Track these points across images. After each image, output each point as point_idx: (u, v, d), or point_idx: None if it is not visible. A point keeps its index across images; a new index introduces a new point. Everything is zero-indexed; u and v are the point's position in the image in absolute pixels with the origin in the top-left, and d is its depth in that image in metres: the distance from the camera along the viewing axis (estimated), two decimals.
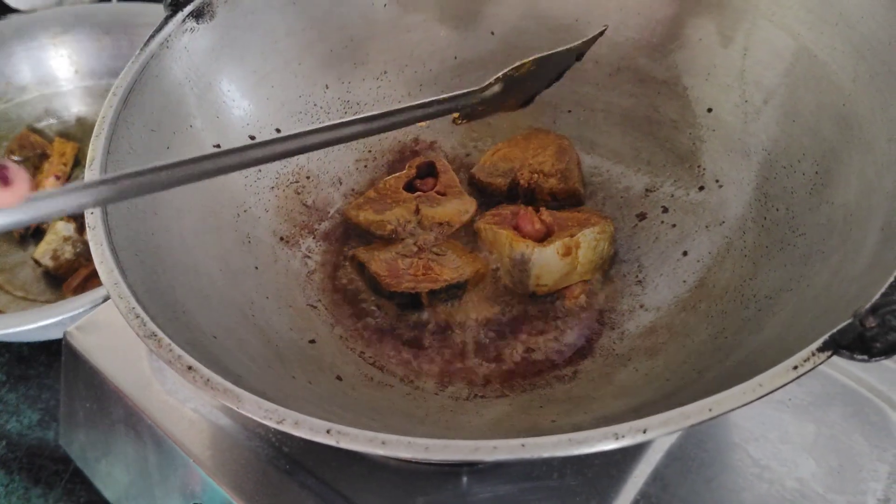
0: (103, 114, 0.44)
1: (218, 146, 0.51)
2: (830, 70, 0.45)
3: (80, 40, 0.84)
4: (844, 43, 0.44)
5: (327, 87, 0.57)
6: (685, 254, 0.49)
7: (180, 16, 0.50)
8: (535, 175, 0.52)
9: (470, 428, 0.41)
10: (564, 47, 0.46)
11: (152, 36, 0.49)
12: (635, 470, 0.45)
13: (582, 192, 0.53)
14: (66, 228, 0.70)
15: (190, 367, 0.33)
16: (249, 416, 0.31)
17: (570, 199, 0.53)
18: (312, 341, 0.46)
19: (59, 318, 0.55)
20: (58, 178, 0.77)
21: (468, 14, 0.59)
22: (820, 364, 0.29)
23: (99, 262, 0.37)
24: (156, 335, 0.34)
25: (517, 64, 0.45)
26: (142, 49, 0.48)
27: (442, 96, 0.42)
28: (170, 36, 0.49)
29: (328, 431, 0.30)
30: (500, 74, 0.44)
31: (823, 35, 0.46)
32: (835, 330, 0.29)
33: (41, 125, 0.83)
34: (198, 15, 0.50)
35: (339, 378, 0.43)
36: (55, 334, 0.55)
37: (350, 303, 0.49)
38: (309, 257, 0.52)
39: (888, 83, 0.41)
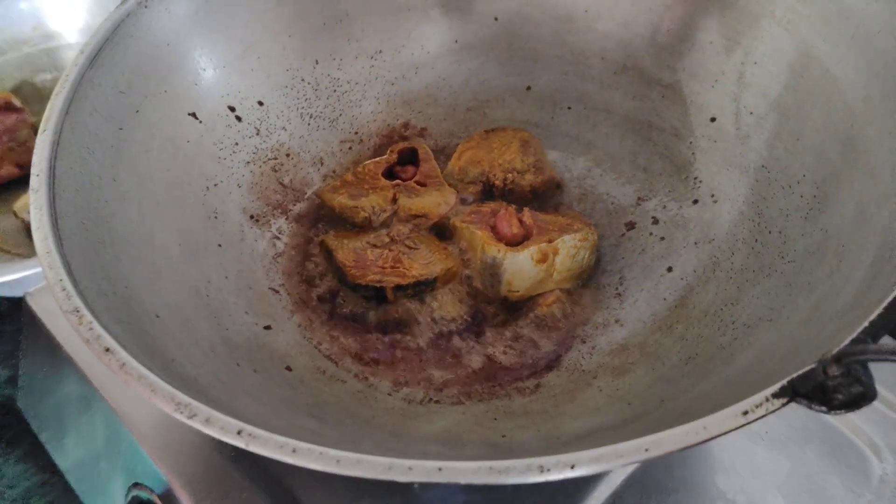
0: (67, 72, 0.42)
1: (193, 114, 0.49)
2: (842, 86, 0.42)
3: None
4: (859, 58, 0.41)
5: (317, 63, 0.55)
6: (670, 269, 0.46)
7: None
8: (510, 175, 0.49)
9: (417, 435, 0.38)
10: None
11: None
12: (594, 491, 0.43)
13: (559, 179, 0.51)
14: None
15: (107, 349, 0.31)
16: (161, 407, 0.29)
17: (551, 190, 0.50)
18: (268, 327, 0.44)
19: (16, 276, 0.53)
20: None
21: None
22: (774, 411, 0.26)
23: (35, 227, 0.35)
24: (78, 311, 0.32)
25: None
26: (118, 7, 0.46)
27: None
28: None
29: (239, 432, 0.28)
30: None
31: (838, 48, 0.43)
32: (794, 375, 0.26)
33: (38, 79, 0.81)
34: None
35: (288, 368, 0.41)
36: (20, 293, 0.54)
37: (314, 290, 0.47)
38: (278, 238, 0.50)
39: None
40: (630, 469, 0.44)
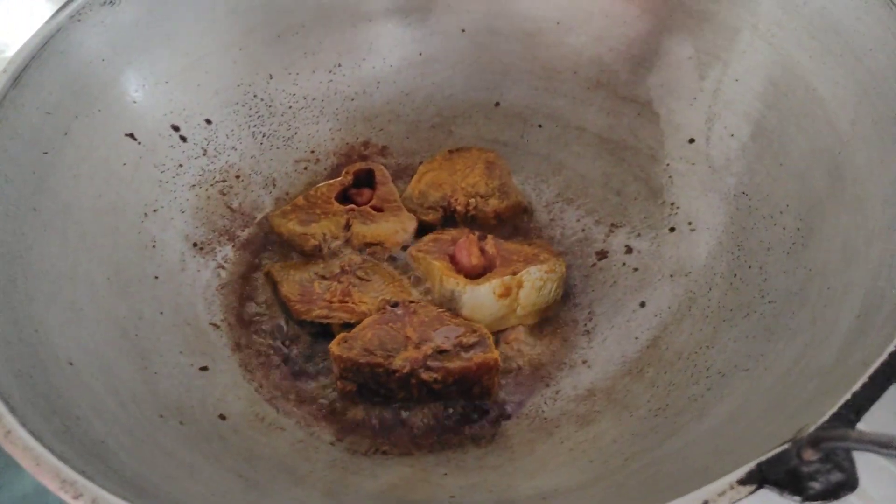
0: None
1: (131, 135, 0.45)
2: (829, 108, 0.38)
3: None
4: (847, 77, 0.38)
5: (271, 77, 0.51)
6: (643, 305, 0.42)
7: None
8: (472, 199, 0.46)
9: (356, 495, 0.35)
10: None
11: (62, 7, 0.43)
12: None
13: (527, 203, 0.48)
14: None
15: None
16: (45, 484, 0.26)
17: (517, 215, 0.47)
18: (204, 368, 0.40)
19: None
20: None
21: (436, 7, 0.52)
22: (739, 500, 0.22)
23: None
24: None
25: None
26: (47, 22, 0.43)
27: None
28: (83, 8, 0.43)
29: None
30: None
31: (825, 66, 0.39)
32: (764, 458, 0.23)
33: None
34: None
35: (221, 417, 0.38)
36: None
37: (259, 325, 0.43)
38: (223, 268, 0.46)
39: (891, 132, 0.34)
40: None
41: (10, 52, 0.76)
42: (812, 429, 0.23)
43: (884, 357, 0.24)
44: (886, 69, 0.35)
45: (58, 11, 0.43)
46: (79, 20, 0.43)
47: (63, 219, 0.40)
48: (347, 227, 0.45)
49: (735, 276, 0.40)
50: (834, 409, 0.23)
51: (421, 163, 0.50)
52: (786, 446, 0.23)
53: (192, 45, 0.48)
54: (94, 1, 0.44)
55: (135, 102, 0.46)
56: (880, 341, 0.26)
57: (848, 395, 0.23)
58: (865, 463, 0.28)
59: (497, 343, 0.42)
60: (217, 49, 0.49)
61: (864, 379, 0.23)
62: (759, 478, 0.22)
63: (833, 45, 0.39)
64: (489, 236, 0.44)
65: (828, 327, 0.31)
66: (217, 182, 0.48)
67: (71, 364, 0.34)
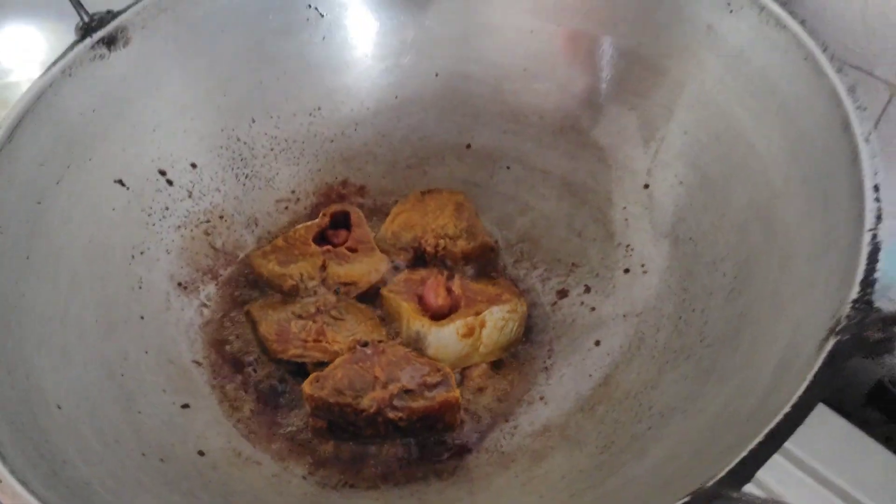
0: None
1: (120, 181, 0.48)
2: (766, 164, 0.41)
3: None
4: (782, 137, 0.41)
5: (253, 121, 0.54)
6: (597, 343, 0.45)
7: (89, 41, 0.47)
8: (441, 240, 0.49)
9: None
10: None
11: (55, 63, 0.46)
12: None
13: (493, 243, 0.50)
14: None
15: None
16: None
17: (484, 255, 0.50)
18: (186, 406, 0.43)
19: None
20: None
21: (411, 52, 0.55)
22: None
23: None
24: None
25: None
26: (40, 76, 0.45)
27: None
28: (74, 63, 0.46)
29: None
30: None
31: (763, 125, 0.42)
32: None
33: None
34: (109, 42, 0.48)
35: (200, 453, 0.41)
36: None
37: (239, 362, 0.46)
38: (206, 306, 0.49)
39: (816, 192, 0.37)
40: None
41: (11, 78, 0.80)
42: (710, 484, 0.25)
43: (779, 418, 0.27)
44: (813, 131, 0.38)
45: (50, 67, 0.46)
46: (70, 75, 0.46)
47: (55, 264, 0.43)
48: (324, 267, 0.48)
49: (680, 318, 0.42)
50: (730, 466, 0.26)
51: (396, 202, 0.53)
52: (686, 499, 0.25)
53: (177, 94, 0.51)
54: (84, 56, 0.47)
55: (123, 150, 0.49)
56: (784, 399, 0.28)
57: (745, 452, 0.26)
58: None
59: (461, 380, 0.45)
60: (202, 96, 0.52)
61: (760, 437, 0.26)
62: None
63: (770, 105, 0.42)
64: (456, 276, 0.47)
65: (755, 374, 0.34)
66: (202, 223, 0.51)
67: (59, 408, 0.37)
